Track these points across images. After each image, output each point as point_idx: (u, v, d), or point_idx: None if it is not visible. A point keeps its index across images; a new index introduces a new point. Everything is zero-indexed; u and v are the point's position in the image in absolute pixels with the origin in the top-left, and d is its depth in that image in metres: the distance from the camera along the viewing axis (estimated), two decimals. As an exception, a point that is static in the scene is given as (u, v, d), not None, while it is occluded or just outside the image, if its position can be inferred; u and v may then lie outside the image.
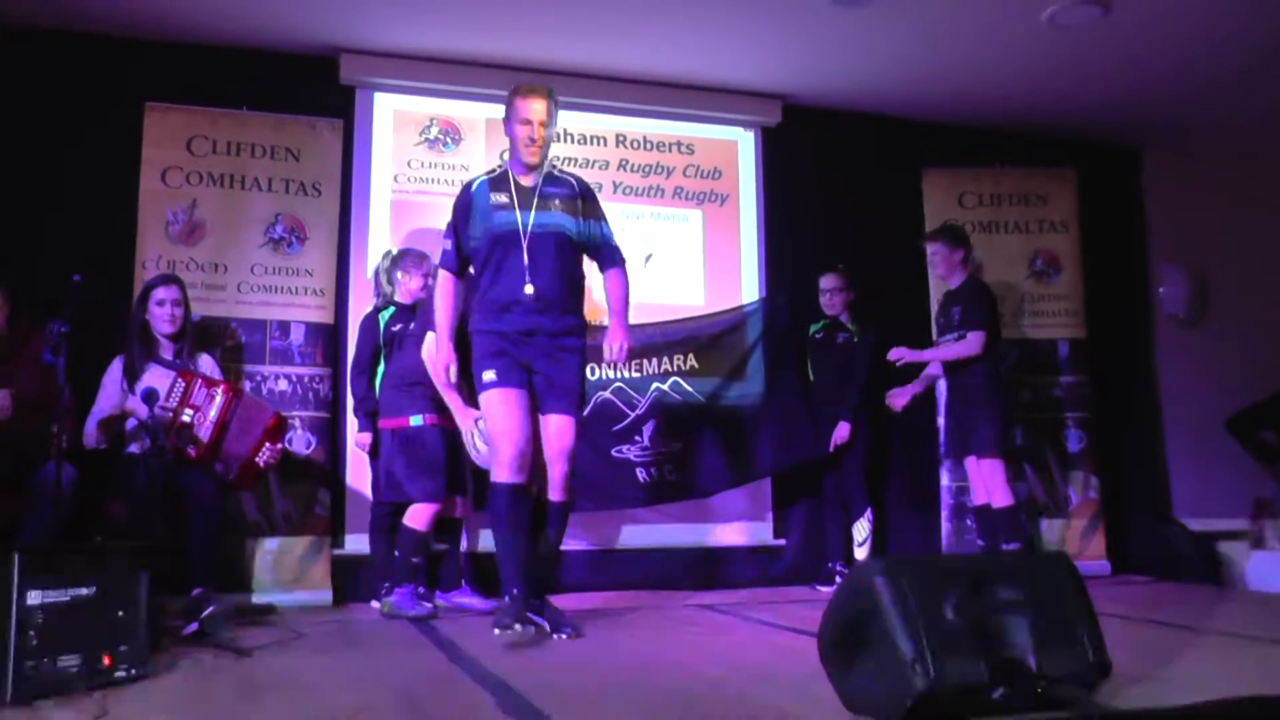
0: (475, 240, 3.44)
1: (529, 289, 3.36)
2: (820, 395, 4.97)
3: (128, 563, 2.61)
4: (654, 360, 4.86)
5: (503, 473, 3.35)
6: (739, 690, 2.44)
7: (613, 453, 4.72)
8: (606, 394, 4.76)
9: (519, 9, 4.45)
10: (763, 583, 5.01)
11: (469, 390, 3.65)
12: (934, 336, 4.94)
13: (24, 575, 2.37)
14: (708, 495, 4.94)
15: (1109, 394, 5.59)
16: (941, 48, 4.85)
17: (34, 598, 2.35)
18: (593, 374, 4.59)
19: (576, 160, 5.10)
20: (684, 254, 5.27)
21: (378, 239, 4.79)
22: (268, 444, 3.72)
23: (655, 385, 4.85)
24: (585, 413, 3.69)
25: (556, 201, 3.46)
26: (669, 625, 3.69)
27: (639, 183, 5.24)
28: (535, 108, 3.40)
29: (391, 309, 4.26)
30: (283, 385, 4.46)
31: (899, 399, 4.79)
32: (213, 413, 3.66)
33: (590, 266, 3.64)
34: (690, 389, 4.90)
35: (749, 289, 5.31)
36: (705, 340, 4.96)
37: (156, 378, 3.71)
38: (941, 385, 5.02)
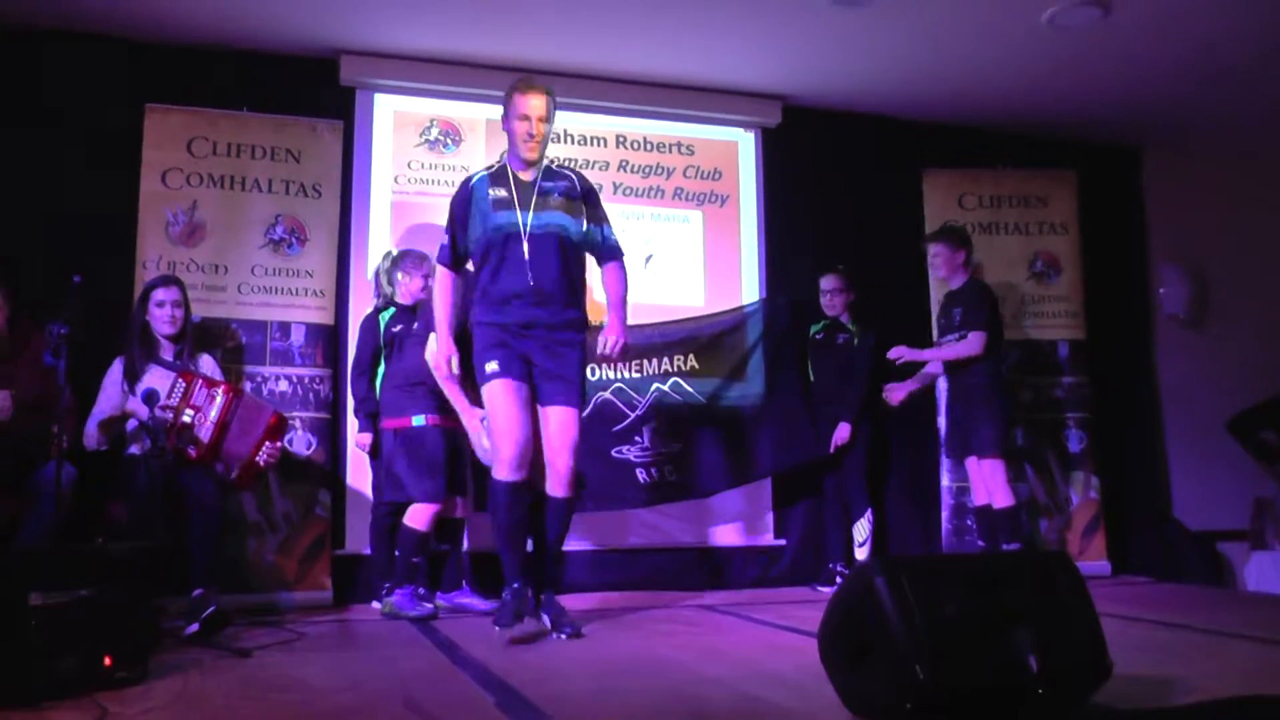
0: (475, 236, 3.45)
1: (530, 282, 3.37)
2: (821, 396, 4.97)
3: (129, 563, 2.61)
4: (654, 361, 4.86)
5: (503, 471, 3.36)
6: (739, 690, 2.44)
7: (613, 453, 4.72)
8: (606, 394, 4.76)
9: (519, 10, 4.46)
10: (763, 583, 5.01)
11: (471, 386, 3.65)
12: (935, 337, 4.95)
13: (25, 576, 2.37)
14: (708, 496, 4.94)
15: (1109, 395, 5.59)
16: (942, 48, 4.85)
17: (35, 598, 2.35)
18: (593, 374, 4.59)
19: (577, 161, 5.09)
20: (684, 255, 5.27)
21: (378, 240, 4.79)
22: (268, 443, 3.72)
23: (655, 386, 4.85)
24: (585, 413, 3.69)
25: (555, 196, 3.47)
26: (669, 625, 3.69)
27: (639, 183, 5.24)
28: (534, 103, 3.40)
29: (392, 310, 4.26)
30: (283, 386, 4.46)
31: (896, 393, 4.80)
32: (213, 413, 3.65)
33: (590, 265, 3.65)
34: (690, 389, 4.90)
35: (749, 290, 5.31)
36: (705, 341, 4.96)
37: (157, 378, 3.71)
38: (942, 385, 5.03)
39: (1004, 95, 5.37)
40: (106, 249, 4.30)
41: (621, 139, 5.25)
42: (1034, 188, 5.57)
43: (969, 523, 5.05)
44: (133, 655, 2.51)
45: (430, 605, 3.95)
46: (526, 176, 3.48)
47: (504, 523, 3.41)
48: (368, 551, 4.36)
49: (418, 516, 3.96)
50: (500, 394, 3.35)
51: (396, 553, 4.00)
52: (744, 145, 5.45)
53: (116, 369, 3.81)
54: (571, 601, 4.08)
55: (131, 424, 3.72)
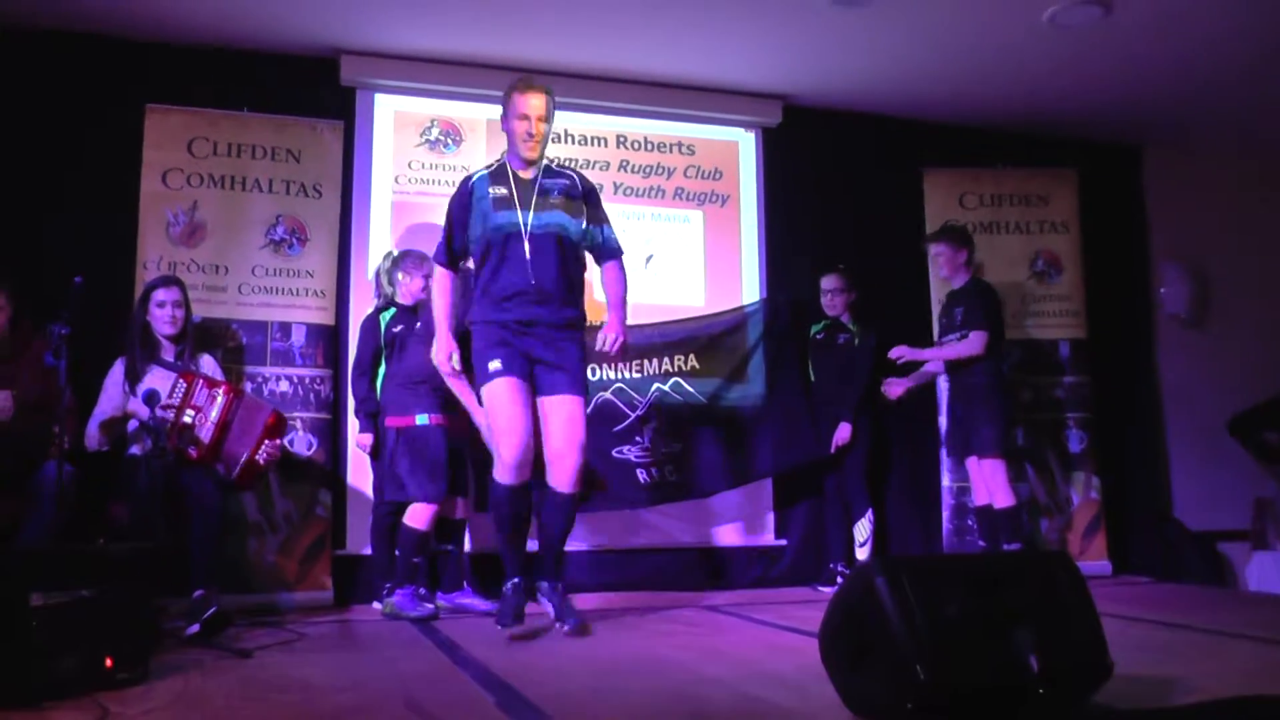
0: (476, 235, 3.45)
1: (531, 281, 3.37)
2: (821, 396, 4.97)
3: (129, 564, 2.61)
4: (655, 361, 4.86)
5: (504, 474, 3.36)
6: (740, 690, 2.44)
7: (613, 453, 4.72)
8: (607, 394, 4.76)
9: (520, 10, 4.46)
10: (764, 583, 5.01)
11: (474, 382, 3.64)
12: (936, 336, 4.95)
13: (26, 576, 2.37)
14: (708, 496, 4.94)
15: (1110, 394, 5.58)
16: (942, 48, 4.85)
17: (36, 599, 2.35)
18: (593, 374, 4.59)
19: (577, 161, 5.09)
20: (685, 255, 5.27)
21: (378, 240, 4.79)
22: (267, 441, 3.72)
23: (656, 386, 4.85)
24: (587, 411, 3.67)
25: (556, 195, 3.47)
26: (670, 625, 3.69)
27: (640, 183, 5.24)
28: (533, 103, 3.40)
29: (393, 310, 4.26)
30: (284, 386, 4.46)
31: (895, 388, 4.80)
32: (214, 414, 3.65)
33: (590, 265, 3.65)
34: (691, 389, 4.90)
35: (750, 290, 5.31)
36: (706, 341, 4.96)
37: (158, 379, 3.71)
38: (943, 385, 5.03)
39: (1005, 94, 5.37)
40: (107, 249, 4.30)
41: (622, 139, 5.24)
42: (1035, 187, 5.57)
43: (970, 523, 5.05)
44: (133, 656, 2.52)
45: (431, 606, 3.95)
46: (527, 175, 3.48)
47: (505, 525, 3.44)
48: (368, 552, 4.36)
49: (417, 516, 3.96)
50: (502, 393, 3.34)
51: (397, 553, 4.00)
52: (744, 145, 5.45)
53: (117, 369, 3.81)
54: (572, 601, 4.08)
55: (132, 424, 3.73)
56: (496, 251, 3.41)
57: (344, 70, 4.80)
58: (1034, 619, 2.02)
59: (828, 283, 5.02)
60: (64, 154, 4.38)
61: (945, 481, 5.25)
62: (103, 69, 4.51)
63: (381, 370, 4.23)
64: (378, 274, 4.44)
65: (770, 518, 5.18)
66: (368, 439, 4.21)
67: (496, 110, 3.58)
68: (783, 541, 5.16)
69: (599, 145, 5.21)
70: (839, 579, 4.68)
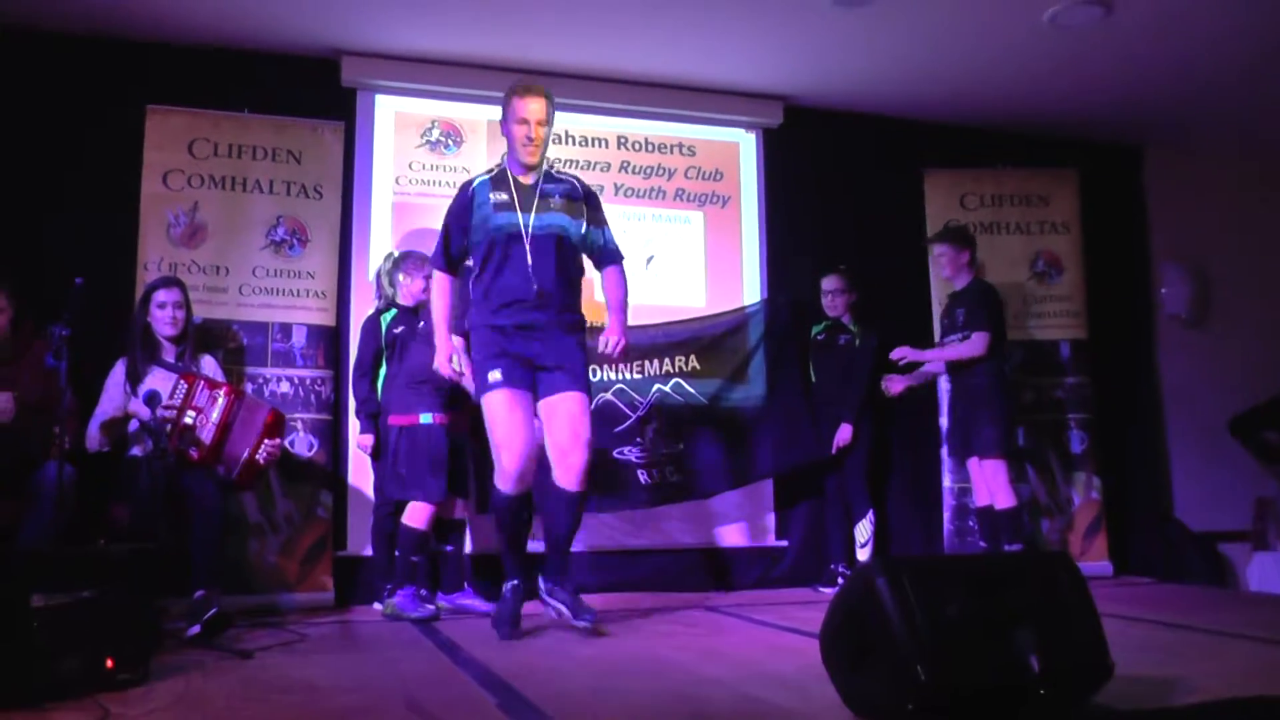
0: (477, 239, 3.44)
1: (532, 285, 3.35)
2: (822, 396, 4.97)
3: (130, 565, 2.61)
4: (656, 361, 4.86)
5: (505, 484, 3.36)
6: (741, 691, 2.44)
7: (614, 454, 4.72)
8: (608, 395, 4.76)
9: (520, 11, 4.46)
10: (765, 584, 5.01)
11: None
12: (938, 337, 4.95)
13: (28, 577, 2.37)
14: (709, 496, 4.94)
15: (1111, 395, 5.58)
16: (943, 48, 4.85)
17: (38, 600, 2.35)
18: (594, 375, 4.59)
19: (578, 162, 5.10)
20: (686, 255, 5.27)
21: (379, 241, 4.80)
22: (267, 440, 3.72)
23: (657, 386, 4.85)
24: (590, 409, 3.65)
25: (556, 199, 3.46)
26: (671, 626, 3.69)
27: (640, 184, 5.24)
28: (533, 107, 3.39)
29: (393, 311, 4.26)
30: (284, 387, 4.46)
31: (896, 384, 4.81)
32: (215, 415, 3.65)
33: (590, 267, 3.65)
34: (692, 390, 4.90)
35: (751, 290, 5.31)
36: (707, 341, 4.96)
37: (159, 380, 3.71)
38: (944, 385, 5.03)
39: (1005, 95, 5.37)
40: (108, 251, 4.30)
41: (623, 140, 5.25)
42: (1035, 187, 5.57)
43: (971, 523, 5.05)
44: (135, 657, 2.52)
45: (432, 606, 3.96)
46: (527, 180, 3.47)
47: (506, 531, 3.46)
48: (369, 553, 4.36)
49: (416, 515, 3.97)
50: (501, 405, 3.33)
51: (396, 553, 4.00)
52: (745, 146, 5.45)
53: (118, 370, 3.81)
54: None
55: (133, 425, 3.73)
56: (498, 253, 3.40)
57: (345, 71, 4.80)
58: (1035, 619, 2.02)
59: (828, 283, 5.02)
60: (65, 155, 4.38)
61: (946, 482, 5.25)
62: (103, 70, 4.52)
63: (382, 371, 4.23)
64: (378, 275, 4.44)
65: (771, 518, 5.18)
66: (368, 440, 4.21)
67: (497, 111, 3.57)
68: (784, 542, 5.16)
69: (599, 146, 5.21)
70: (840, 580, 4.68)
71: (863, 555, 4.85)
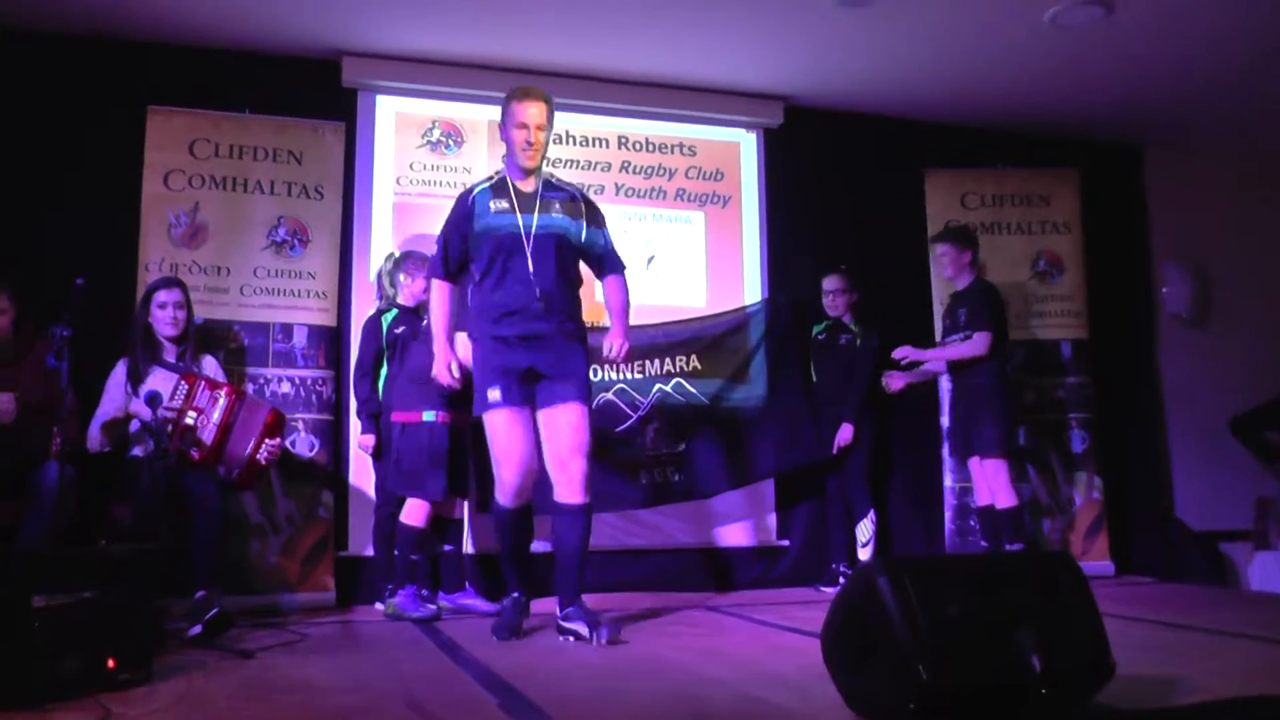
0: (477, 246, 3.42)
1: (534, 293, 3.34)
2: (823, 396, 4.97)
3: (132, 565, 2.61)
4: (657, 361, 4.86)
5: (506, 497, 3.36)
6: (742, 691, 2.44)
7: (615, 454, 4.71)
8: (609, 395, 4.76)
9: (520, 11, 4.46)
10: (766, 584, 5.01)
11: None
12: (940, 337, 4.95)
13: (29, 578, 2.37)
14: (710, 496, 4.94)
15: (1112, 395, 5.58)
16: (943, 48, 4.85)
17: (39, 600, 2.35)
18: (595, 375, 4.59)
19: (578, 162, 5.11)
20: (686, 255, 5.27)
21: (380, 241, 4.80)
22: (267, 440, 3.72)
23: (658, 386, 4.85)
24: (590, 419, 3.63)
25: (557, 205, 3.45)
26: (672, 626, 3.69)
27: (641, 184, 5.24)
28: (532, 111, 3.37)
29: (394, 311, 4.26)
30: (285, 388, 4.46)
31: (896, 381, 4.82)
32: (216, 415, 3.65)
33: (589, 271, 3.64)
34: (693, 390, 4.89)
35: (751, 290, 5.31)
36: (708, 341, 4.96)
37: (160, 380, 3.71)
38: (945, 385, 5.03)
39: (1006, 94, 5.37)
40: (109, 251, 4.30)
41: (624, 140, 5.25)
42: (1036, 187, 5.57)
43: (972, 523, 5.05)
44: (136, 657, 2.52)
45: (433, 606, 3.96)
46: (527, 187, 3.45)
47: (507, 543, 3.45)
48: (370, 553, 4.36)
49: (413, 513, 3.97)
50: (501, 423, 3.32)
51: (395, 551, 4.00)
52: (746, 146, 5.45)
53: (120, 371, 3.81)
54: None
55: (134, 426, 3.73)
56: (500, 261, 3.37)
57: (345, 72, 4.80)
58: (1036, 619, 2.02)
59: (829, 283, 5.02)
60: (66, 156, 4.39)
61: (948, 482, 5.25)
62: (104, 71, 4.52)
63: (383, 371, 4.23)
64: (379, 275, 4.45)
65: (772, 518, 5.18)
66: (370, 440, 4.22)
67: (498, 111, 3.55)
68: (785, 542, 5.16)
69: (600, 146, 5.21)
70: (841, 579, 4.69)
71: (864, 555, 4.85)
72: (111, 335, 3.92)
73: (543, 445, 3.37)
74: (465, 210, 3.45)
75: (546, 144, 3.45)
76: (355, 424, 4.39)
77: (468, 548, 4.44)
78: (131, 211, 4.37)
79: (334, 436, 4.54)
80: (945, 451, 5.21)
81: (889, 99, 5.46)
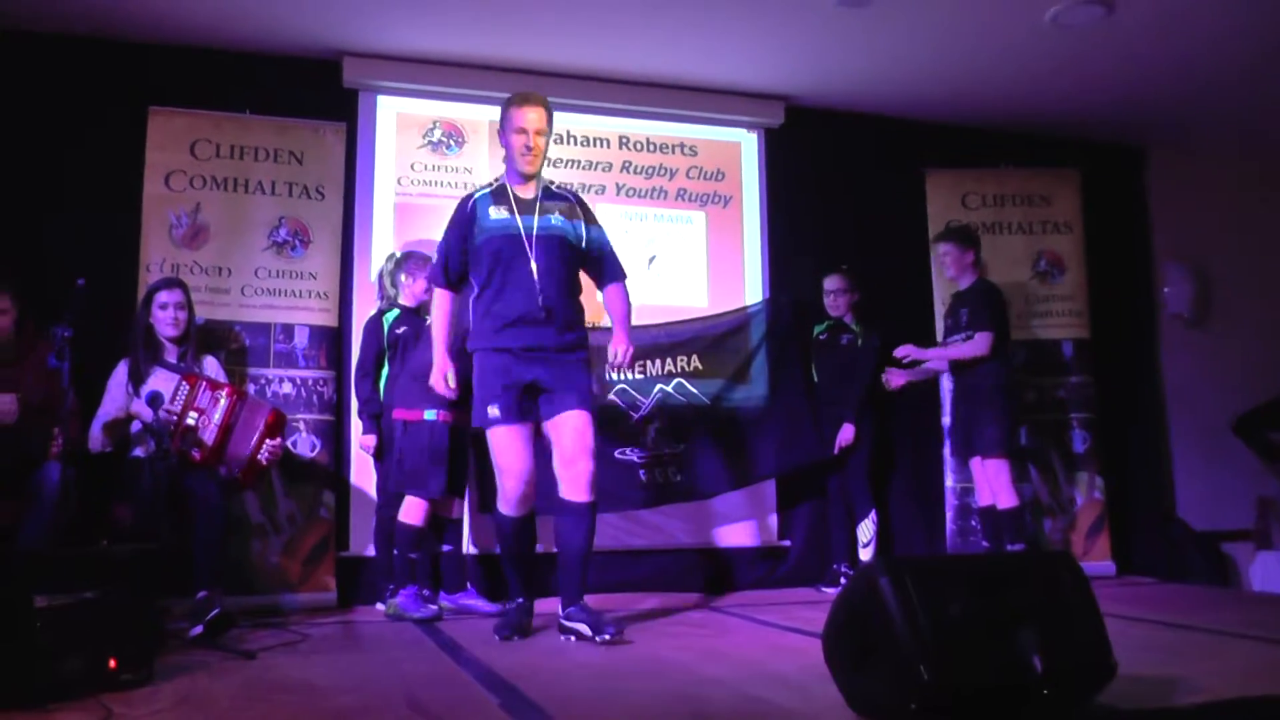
0: (478, 253, 3.41)
1: (538, 301, 3.33)
2: (824, 396, 4.97)
3: (133, 566, 2.61)
4: (658, 362, 4.86)
5: (508, 508, 3.37)
6: (743, 691, 2.44)
7: (616, 454, 4.71)
8: (610, 395, 4.76)
9: (521, 11, 4.46)
10: (767, 584, 5.00)
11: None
12: (941, 337, 4.95)
13: (30, 578, 2.37)
14: (711, 497, 4.94)
15: (1114, 394, 5.58)
16: (944, 48, 4.85)
17: (40, 600, 2.35)
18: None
19: (579, 162, 5.10)
20: (687, 256, 5.27)
21: (381, 242, 4.80)
22: (268, 440, 3.72)
23: (659, 387, 4.85)
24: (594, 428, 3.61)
25: (556, 210, 3.45)
26: (673, 626, 3.70)
27: (642, 184, 5.24)
28: (531, 116, 3.37)
29: (396, 311, 4.26)
30: (287, 388, 4.47)
31: (896, 379, 4.81)
32: (217, 415, 3.66)
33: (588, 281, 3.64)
34: (694, 390, 4.89)
35: (753, 290, 5.31)
36: (709, 341, 4.96)
37: (161, 381, 3.71)
38: (947, 385, 5.03)
39: (1007, 94, 5.37)
40: (110, 252, 4.30)
41: (624, 140, 5.25)
42: (1037, 187, 5.57)
43: (973, 523, 5.05)
44: (137, 657, 2.52)
45: (434, 606, 3.96)
46: (526, 193, 3.45)
47: (509, 551, 3.47)
48: (371, 553, 4.36)
49: (411, 512, 3.97)
50: (503, 439, 3.33)
51: (394, 550, 4.00)
52: (747, 146, 5.45)
53: (121, 371, 3.82)
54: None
55: (135, 426, 3.73)
56: (501, 269, 3.36)
57: (346, 72, 4.80)
58: (1037, 619, 2.02)
59: (830, 283, 5.02)
60: (67, 156, 4.39)
61: (949, 482, 5.25)
62: (105, 71, 4.52)
63: (384, 372, 4.23)
64: (380, 276, 4.45)
65: (773, 519, 5.18)
66: (371, 440, 4.22)
67: (499, 112, 3.55)
68: (786, 542, 5.16)
69: (601, 146, 5.21)
70: (842, 580, 4.68)
71: (865, 555, 4.85)
72: (113, 336, 3.92)
73: (552, 450, 3.39)
74: (466, 215, 3.45)
75: (546, 149, 3.45)
76: (356, 424, 4.39)
77: (468, 548, 4.44)
78: (132, 212, 4.37)
79: (335, 437, 4.54)
80: (946, 451, 5.21)
81: (890, 99, 5.45)
